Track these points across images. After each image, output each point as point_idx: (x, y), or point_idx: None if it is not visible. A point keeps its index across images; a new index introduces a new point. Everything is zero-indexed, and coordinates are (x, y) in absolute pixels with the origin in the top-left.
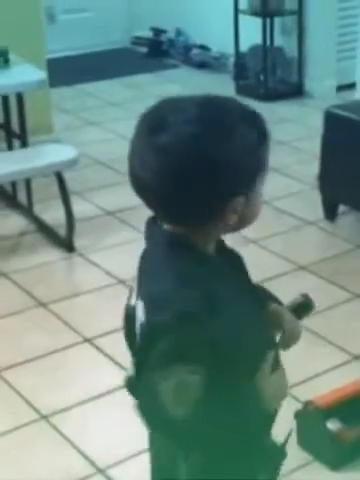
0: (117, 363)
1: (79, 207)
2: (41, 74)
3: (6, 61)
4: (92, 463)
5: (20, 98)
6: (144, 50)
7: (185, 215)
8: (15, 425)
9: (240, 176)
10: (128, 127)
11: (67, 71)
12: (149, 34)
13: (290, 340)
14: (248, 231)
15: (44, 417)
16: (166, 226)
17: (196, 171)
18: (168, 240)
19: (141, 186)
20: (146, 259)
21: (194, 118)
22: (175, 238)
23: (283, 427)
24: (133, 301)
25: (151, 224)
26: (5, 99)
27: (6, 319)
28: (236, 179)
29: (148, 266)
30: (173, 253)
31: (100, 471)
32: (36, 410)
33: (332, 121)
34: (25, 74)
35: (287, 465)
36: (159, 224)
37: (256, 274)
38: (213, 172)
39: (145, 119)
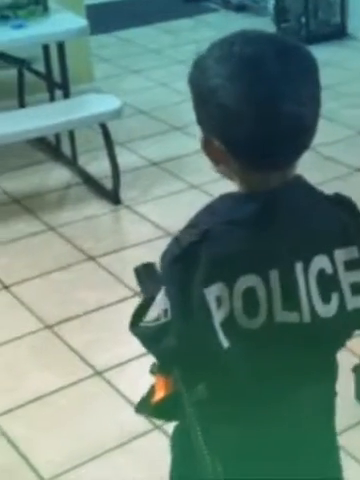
0: None
1: (123, 158)
2: (82, 21)
3: (45, 9)
4: (149, 419)
5: (61, 47)
6: None
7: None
8: (70, 381)
9: None
10: (168, 74)
11: (104, 18)
12: None
13: None
14: None
15: (99, 373)
16: (277, 176)
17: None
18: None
19: (299, 125)
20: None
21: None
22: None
23: (342, 381)
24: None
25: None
26: (46, 48)
27: (56, 274)
28: None
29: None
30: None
31: (157, 427)
32: (90, 366)
33: None
34: (65, 22)
35: (345, 419)
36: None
37: None
38: None
39: (261, 59)
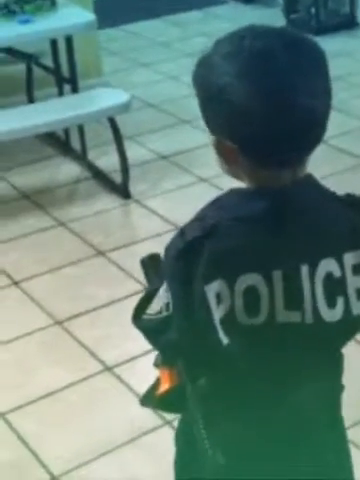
0: None
1: (132, 152)
2: (89, 15)
3: (53, 3)
4: (159, 414)
5: (69, 41)
6: None
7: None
8: (80, 377)
9: None
10: (177, 67)
11: (112, 11)
12: None
13: None
14: None
15: (109, 368)
16: (288, 173)
17: None
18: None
19: (312, 119)
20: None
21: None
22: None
23: (350, 376)
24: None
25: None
26: (54, 43)
27: (66, 269)
28: None
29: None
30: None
31: (167, 422)
32: (100, 361)
33: None
34: (73, 16)
35: (353, 414)
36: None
37: None
38: None
39: (270, 54)
